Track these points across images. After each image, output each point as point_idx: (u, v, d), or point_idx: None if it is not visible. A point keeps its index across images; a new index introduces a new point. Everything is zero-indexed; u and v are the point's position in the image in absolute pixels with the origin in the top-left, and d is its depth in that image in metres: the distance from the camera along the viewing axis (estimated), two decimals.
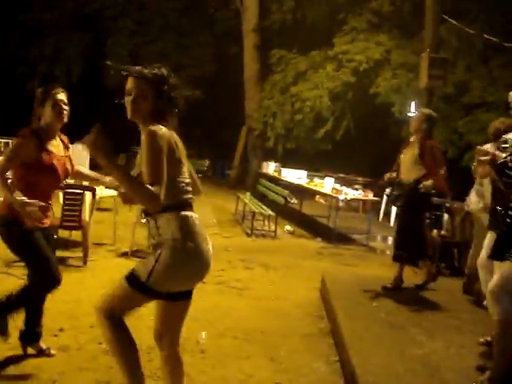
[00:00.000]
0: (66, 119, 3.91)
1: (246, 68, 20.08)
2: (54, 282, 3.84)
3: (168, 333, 3.12)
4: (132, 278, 2.90)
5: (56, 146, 3.96)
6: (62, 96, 3.87)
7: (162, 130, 2.83)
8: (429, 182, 6.11)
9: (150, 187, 2.65)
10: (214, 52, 22.89)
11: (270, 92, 18.40)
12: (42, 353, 4.15)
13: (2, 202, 3.84)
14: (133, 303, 2.96)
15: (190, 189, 3.03)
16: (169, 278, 2.90)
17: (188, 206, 2.99)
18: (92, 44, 23.71)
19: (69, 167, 4.03)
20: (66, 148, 4.08)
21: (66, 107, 3.89)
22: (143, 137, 2.81)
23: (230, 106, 22.66)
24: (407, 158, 6.32)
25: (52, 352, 4.19)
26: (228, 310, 5.72)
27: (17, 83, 23.81)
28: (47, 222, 3.97)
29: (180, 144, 2.99)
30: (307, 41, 17.92)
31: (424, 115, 6.38)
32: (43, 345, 4.20)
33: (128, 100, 2.95)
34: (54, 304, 4.79)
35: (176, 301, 3.05)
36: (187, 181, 3.02)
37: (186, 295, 3.10)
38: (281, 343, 4.87)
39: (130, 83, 2.96)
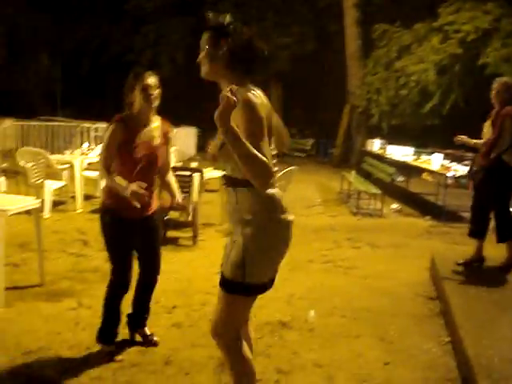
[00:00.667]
0: (156, 103, 3.74)
1: (347, 44, 19.79)
2: (121, 281, 3.84)
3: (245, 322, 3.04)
4: (227, 283, 2.66)
5: (148, 134, 3.78)
6: (151, 80, 3.69)
7: (256, 95, 2.54)
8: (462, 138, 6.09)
9: (263, 157, 2.36)
10: (314, 30, 22.70)
11: (374, 68, 18.04)
12: (146, 339, 4.14)
13: (102, 190, 3.89)
14: (243, 310, 2.80)
15: (275, 161, 2.67)
16: (263, 265, 2.66)
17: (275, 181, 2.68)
18: (193, 30, 24.21)
19: (162, 157, 3.88)
20: (164, 135, 3.92)
21: (155, 91, 3.71)
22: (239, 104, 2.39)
23: (331, 83, 22.45)
24: (486, 130, 6.03)
25: (155, 339, 4.14)
26: (335, 288, 5.72)
27: (125, 71, 24.77)
28: (149, 211, 3.88)
29: (269, 108, 2.67)
30: (410, 13, 17.37)
31: (502, 84, 5.96)
32: (148, 331, 4.19)
33: (200, 57, 2.68)
34: (167, 282, 5.00)
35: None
36: (273, 153, 2.69)
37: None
38: (390, 323, 4.81)
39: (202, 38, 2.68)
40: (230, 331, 2.75)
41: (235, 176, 2.62)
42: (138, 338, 4.17)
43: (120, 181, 3.57)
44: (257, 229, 2.61)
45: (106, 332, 3.96)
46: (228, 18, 2.62)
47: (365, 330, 4.64)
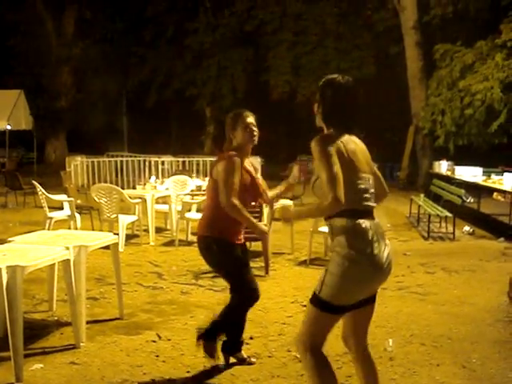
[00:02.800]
0: (256, 141, 4.11)
1: (408, 66, 19.65)
2: (254, 296, 4.18)
3: (353, 336, 3.17)
4: (313, 295, 2.95)
5: (249, 166, 4.17)
6: (251, 119, 4.10)
7: (330, 135, 3.01)
8: None
9: (323, 202, 2.82)
10: (374, 53, 22.73)
11: (437, 89, 17.78)
12: (243, 361, 4.31)
13: (204, 221, 4.16)
14: (323, 325, 2.97)
15: (368, 196, 3.00)
16: (340, 289, 2.86)
17: (364, 213, 2.96)
18: (253, 60, 24.67)
19: (262, 187, 4.22)
20: (255, 168, 4.27)
21: (256, 129, 4.10)
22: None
23: (393, 106, 22.31)
24: None
25: (253, 360, 4.35)
26: (412, 315, 5.62)
27: (187, 104, 25.37)
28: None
29: (356, 148, 3.08)
30: (471, 32, 17.14)
31: None
32: (244, 354, 4.36)
33: (314, 108, 3.15)
34: None
35: (357, 308, 3.01)
36: (364, 187, 2.99)
37: (368, 301, 3.05)
38: (471, 350, 4.69)
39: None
40: (305, 339, 2.96)
41: None
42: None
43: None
44: (340, 255, 2.88)
45: (236, 342, 4.29)
46: (336, 77, 3.11)
47: (445, 357, 4.54)
